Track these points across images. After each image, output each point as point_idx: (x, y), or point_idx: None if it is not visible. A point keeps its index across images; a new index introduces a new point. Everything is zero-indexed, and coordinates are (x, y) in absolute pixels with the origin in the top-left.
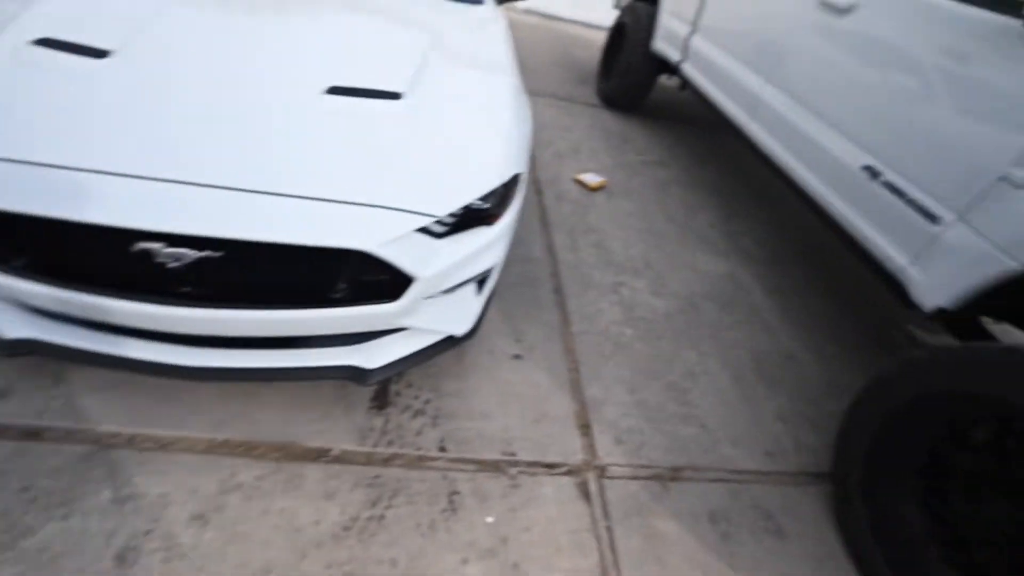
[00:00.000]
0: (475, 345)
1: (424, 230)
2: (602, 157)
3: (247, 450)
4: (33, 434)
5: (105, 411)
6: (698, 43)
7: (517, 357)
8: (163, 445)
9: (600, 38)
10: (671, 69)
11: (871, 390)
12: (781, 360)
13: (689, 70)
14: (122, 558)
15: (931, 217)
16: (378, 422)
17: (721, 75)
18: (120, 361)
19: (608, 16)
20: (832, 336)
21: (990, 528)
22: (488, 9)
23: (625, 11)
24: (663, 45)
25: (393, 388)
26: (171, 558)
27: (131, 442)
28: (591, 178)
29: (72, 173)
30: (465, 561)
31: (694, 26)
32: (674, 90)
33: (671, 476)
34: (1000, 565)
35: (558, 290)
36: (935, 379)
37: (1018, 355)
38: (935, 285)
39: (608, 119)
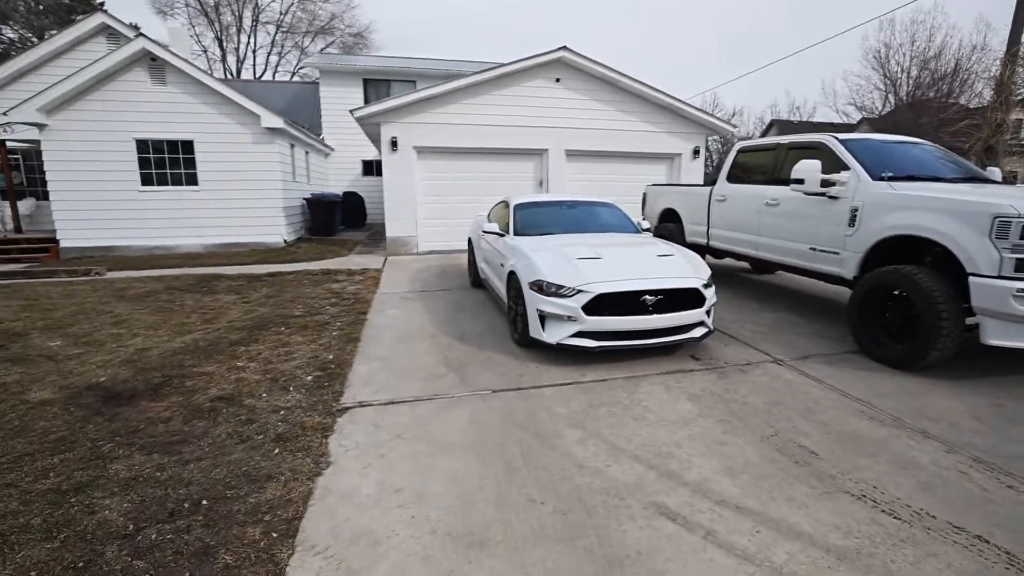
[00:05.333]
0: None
1: (704, 285)
2: None
3: (658, 374)
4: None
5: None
6: (715, 232)
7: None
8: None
9: None
10: (701, 249)
11: (863, 286)
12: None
13: (714, 243)
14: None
15: (835, 253)
16: (691, 363)
17: (731, 239)
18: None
19: None
20: (812, 311)
21: (894, 320)
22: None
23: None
24: (695, 238)
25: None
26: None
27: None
28: None
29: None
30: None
31: (709, 225)
32: None
33: None
34: (898, 331)
35: None
36: (882, 279)
37: (890, 273)
38: (849, 271)
39: None
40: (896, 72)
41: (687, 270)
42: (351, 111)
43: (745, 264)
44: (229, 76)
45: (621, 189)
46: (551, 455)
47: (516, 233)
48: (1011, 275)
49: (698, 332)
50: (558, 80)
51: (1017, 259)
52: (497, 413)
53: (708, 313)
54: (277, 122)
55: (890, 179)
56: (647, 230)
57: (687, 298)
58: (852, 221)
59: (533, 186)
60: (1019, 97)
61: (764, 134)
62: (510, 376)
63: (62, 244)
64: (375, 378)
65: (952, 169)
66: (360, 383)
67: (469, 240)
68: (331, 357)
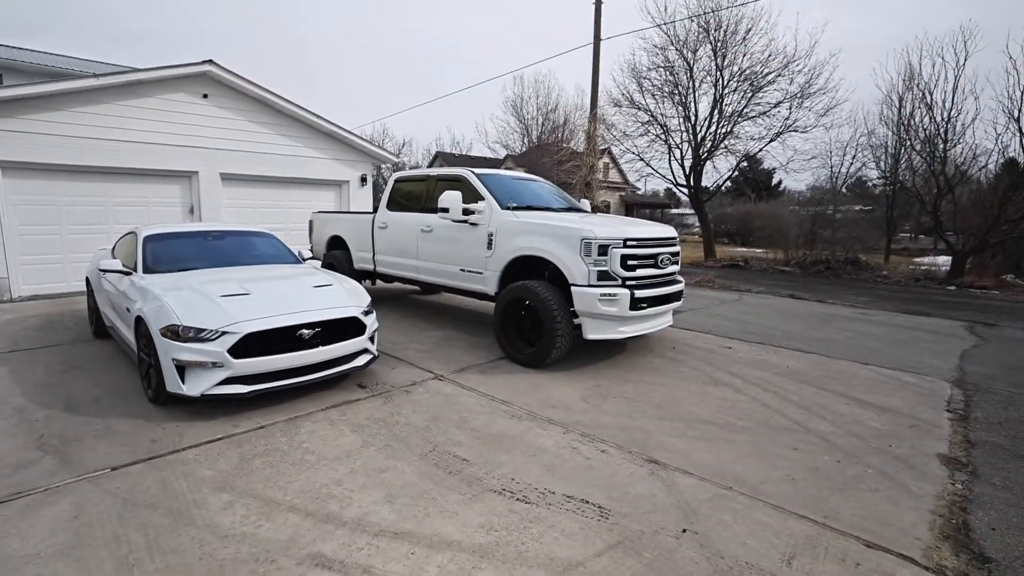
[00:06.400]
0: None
1: (364, 312)
2: None
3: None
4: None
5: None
6: (380, 258)
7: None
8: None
9: None
10: (369, 274)
11: (502, 299)
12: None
13: (380, 269)
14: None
15: (479, 272)
16: (357, 392)
17: (395, 264)
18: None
19: None
20: (465, 327)
21: (526, 327)
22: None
23: (325, 256)
24: (362, 264)
25: None
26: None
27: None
28: None
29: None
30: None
31: (374, 252)
32: None
33: None
34: (530, 336)
35: None
36: (515, 292)
37: (520, 287)
38: (491, 288)
39: None
40: (527, 118)
41: (345, 299)
42: None
43: (415, 287)
44: None
45: (288, 216)
46: (188, 532)
47: (146, 270)
48: (596, 283)
49: (362, 360)
50: (206, 96)
51: (599, 271)
52: (115, 497)
53: (372, 339)
54: None
55: (515, 208)
56: (310, 259)
57: (347, 327)
58: (489, 244)
59: (182, 213)
60: (602, 147)
61: (431, 164)
62: (139, 444)
63: None
64: None
65: (559, 200)
66: None
67: (87, 280)
68: None
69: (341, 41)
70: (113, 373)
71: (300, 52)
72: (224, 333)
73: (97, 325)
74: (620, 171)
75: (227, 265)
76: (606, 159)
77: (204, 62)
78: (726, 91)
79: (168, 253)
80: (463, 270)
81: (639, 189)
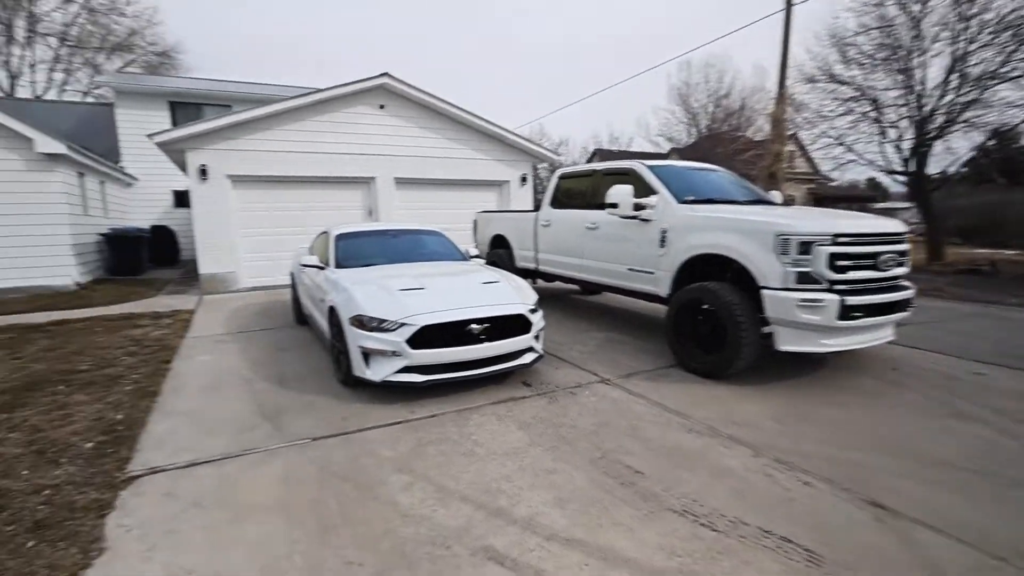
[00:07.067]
0: None
1: (531, 310)
2: None
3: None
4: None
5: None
6: (542, 256)
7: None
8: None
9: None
10: (531, 273)
11: (676, 302)
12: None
13: (542, 267)
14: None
15: (650, 272)
16: (522, 390)
17: (558, 263)
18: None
19: None
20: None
21: (704, 333)
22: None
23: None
24: (524, 263)
25: None
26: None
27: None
28: None
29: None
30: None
31: (537, 250)
32: None
33: None
34: (708, 343)
35: None
36: (691, 294)
37: (698, 289)
38: (663, 289)
39: None
40: (695, 107)
41: (513, 296)
42: (149, 135)
43: (574, 287)
44: (1, 94)
45: (453, 216)
46: (373, 506)
47: (337, 265)
48: (794, 287)
49: (528, 358)
50: (382, 107)
51: (799, 272)
52: (315, 464)
53: (537, 338)
54: (57, 147)
55: (693, 202)
56: (475, 257)
57: (514, 325)
58: (662, 242)
59: (362, 215)
60: (790, 132)
61: (589, 162)
62: (333, 421)
63: None
64: (174, 437)
65: (744, 193)
66: (154, 445)
67: (292, 275)
68: (120, 417)
69: (499, 40)
70: (311, 356)
71: (453, 57)
72: (403, 325)
73: (297, 314)
74: (809, 159)
75: (403, 261)
76: (791, 146)
77: (381, 75)
78: (972, 47)
79: (355, 250)
80: (631, 269)
81: (833, 180)
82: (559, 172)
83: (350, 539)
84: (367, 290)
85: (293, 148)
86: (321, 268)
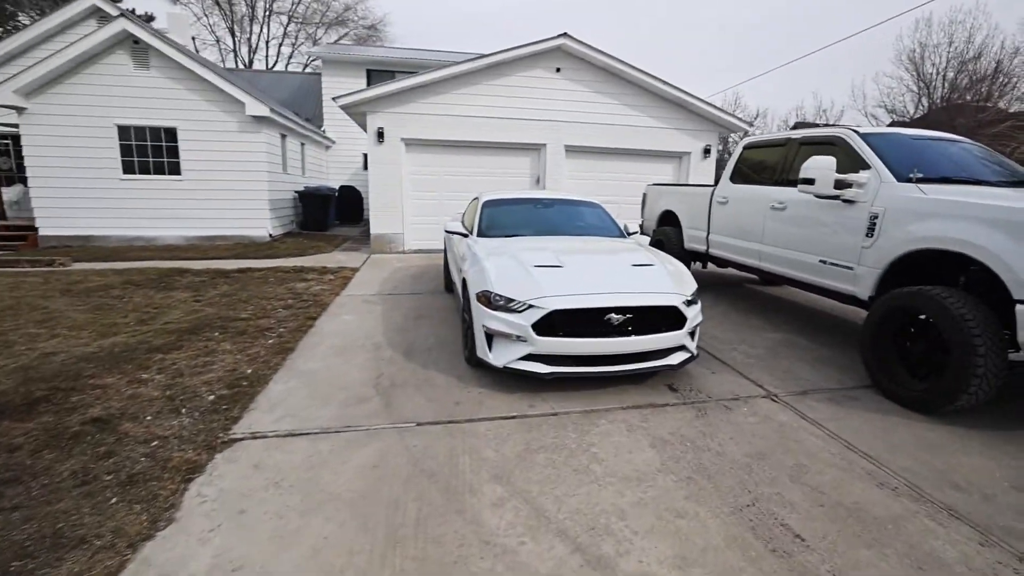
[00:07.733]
0: None
1: (687, 302)
2: None
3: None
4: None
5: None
6: (715, 238)
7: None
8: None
9: None
10: (701, 256)
11: (880, 307)
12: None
13: (713, 251)
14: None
15: (849, 267)
16: (665, 395)
17: (732, 247)
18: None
19: None
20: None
21: (917, 352)
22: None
23: (656, 232)
24: (694, 244)
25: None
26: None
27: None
28: None
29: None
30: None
31: (709, 230)
32: None
33: None
34: (921, 366)
35: None
36: (903, 300)
37: (915, 294)
38: (864, 290)
39: None
40: (931, 74)
41: (666, 284)
42: (334, 98)
43: (752, 275)
44: (242, 66)
45: (623, 189)
46: (454, 522)
47: (479, 234)
48: None
49: (676, 358)
50: (558, 70)
51: None
52: (409, 455)
53: (692, 335)
54: (263, 110)
55: (920, 181)
56: (635, 233)
57: (665, 317)
58: (870, 230)
59: (530, 183)
60: None
61: None
62: (444, 404)
63: (41, 232)
64: (287, 400)
65: (997, 172)
66: (266, 406)
67: (444, 240)
68: (250, 371)
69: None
70: (446, 326)
71: (635, 20)
72: (531, 307)
73: (447, 280)
74: None
75: (550, 234)
76: None
77: (560, 35)
78: None
79: (501, 218)
80: (824, 261)
81: None
82: (744, 142)
83: (414, 562)
84: (500, 263)
85: (465, 112)
86: (465, 236)
